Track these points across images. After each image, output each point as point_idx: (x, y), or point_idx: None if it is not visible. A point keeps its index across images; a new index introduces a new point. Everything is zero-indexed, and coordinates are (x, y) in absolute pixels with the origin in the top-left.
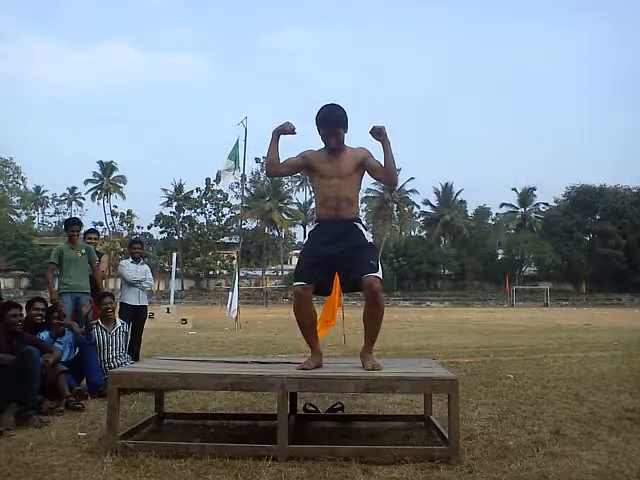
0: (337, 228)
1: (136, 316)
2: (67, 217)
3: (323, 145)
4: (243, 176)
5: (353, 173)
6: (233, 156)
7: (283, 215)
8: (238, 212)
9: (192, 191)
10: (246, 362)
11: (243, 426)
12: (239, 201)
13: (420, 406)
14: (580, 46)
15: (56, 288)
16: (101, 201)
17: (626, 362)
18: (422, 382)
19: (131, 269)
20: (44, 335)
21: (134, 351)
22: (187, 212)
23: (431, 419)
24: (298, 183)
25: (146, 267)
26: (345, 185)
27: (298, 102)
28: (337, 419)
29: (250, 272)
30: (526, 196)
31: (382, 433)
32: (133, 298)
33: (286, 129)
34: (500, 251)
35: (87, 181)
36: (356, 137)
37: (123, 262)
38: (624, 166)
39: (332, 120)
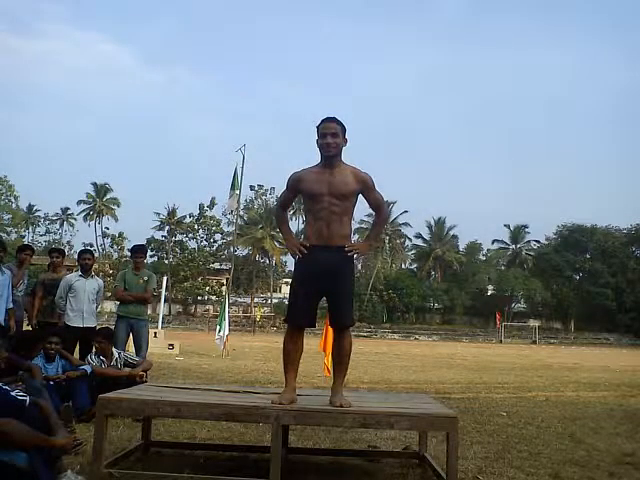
0: (327, 257)
1: (81, 339)
2: (57, 237)
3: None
4: (239, 202)
5: (347, 194)
6: (237, 187)
7: (275, 243)
8: (230, 239)
9: (185, 216)
10: (237, 392)
11: (233, 457)
12: (232, 228)
13: (411, 442)
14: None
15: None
16: (92, 222)
17: (618, 403)
18: (421, 419)
19: (77, 286)
20: (39, 361)
21: None
22: (179, 237)
23: (426, 457)
24: (291, 212)
25: (97, 282)
26: (337, 204)
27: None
28: (329, 454)
29: (239, 299)
30: (518, 233)
31: (376, 470)
32: (77, 318)
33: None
34: (490, 287)
35: (80, 202)
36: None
37: (69, 276)
38: (617, 205)
39: (330, 118)
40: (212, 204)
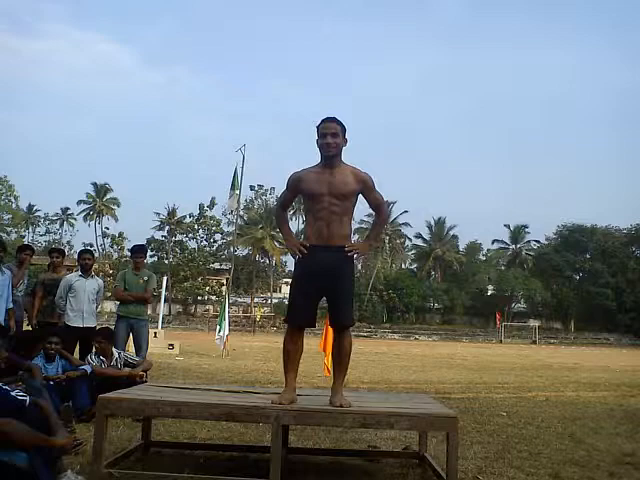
0: (327, 257)
1: (81, 339)
2: (57, 237)
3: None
4: (239, 202)
5: (347, 194)
6: (237, 187)
7: (275, 243)
8: (230, 239)
9: (185, 216)
10: (237, 392)
11: (233, 457)
12: (232, 228)
13: (411, 442)
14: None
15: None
16: (92, 222)
17: (618, 403)
18: (421, 419)
19: (77, 286)
20: (39, 361)
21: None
22: (179, 237)
23: (426, 457)
24: (291, 212)
25: (97, 282)
26: (337, 204)
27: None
28: (329, 454)
29: (239, 299)
30: (518, 233)
31: (376, 470)
32: (77, 318)
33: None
34: (490, 287)
35: (80, 202)
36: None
37: (69, 276)
38: (617, 205)
39: (330, 118)
40: (212, 204)
